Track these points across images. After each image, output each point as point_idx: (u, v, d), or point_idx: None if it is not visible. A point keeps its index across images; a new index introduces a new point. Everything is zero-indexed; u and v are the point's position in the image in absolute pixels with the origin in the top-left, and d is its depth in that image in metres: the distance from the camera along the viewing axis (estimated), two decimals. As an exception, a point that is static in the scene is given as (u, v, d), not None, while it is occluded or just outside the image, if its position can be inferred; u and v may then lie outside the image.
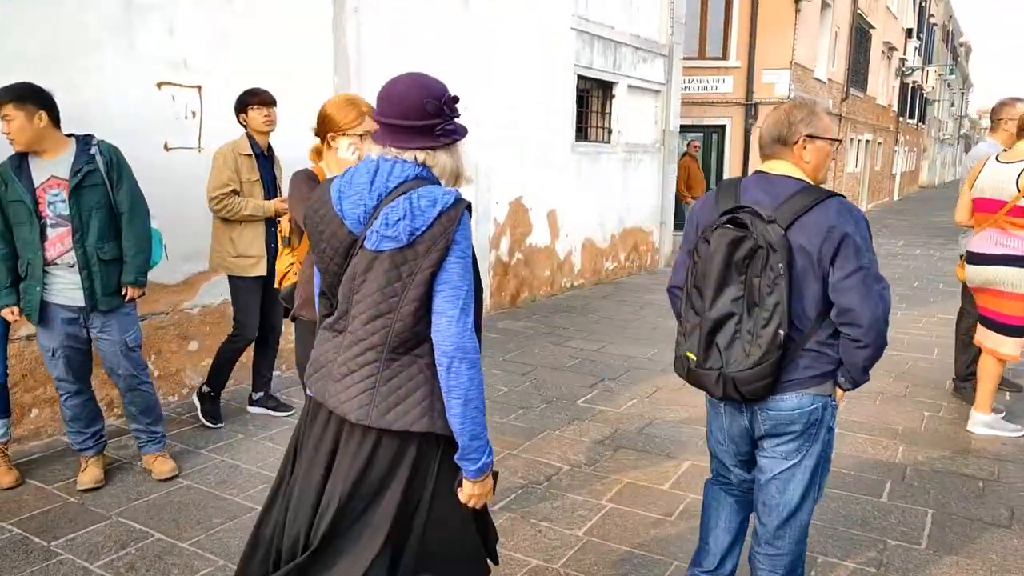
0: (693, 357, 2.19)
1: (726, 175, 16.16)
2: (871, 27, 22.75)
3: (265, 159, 4.18)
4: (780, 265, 1.99)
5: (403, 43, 6.14)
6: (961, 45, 55.62)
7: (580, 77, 8.72)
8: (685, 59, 16.12)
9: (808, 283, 2.04)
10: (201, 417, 4.29)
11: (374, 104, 1.85)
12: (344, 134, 2.52)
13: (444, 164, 1.75)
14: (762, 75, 15.69)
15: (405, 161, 1.72)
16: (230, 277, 4.17)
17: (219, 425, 4.28)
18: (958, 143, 66.60)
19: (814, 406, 2.13)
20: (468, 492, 1.77)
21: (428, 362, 1.72)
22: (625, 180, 9.84)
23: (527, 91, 7.68)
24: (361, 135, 2.46)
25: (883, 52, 26.22)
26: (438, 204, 1.65)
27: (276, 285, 2.85)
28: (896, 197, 31.95)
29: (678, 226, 12.61)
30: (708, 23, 15.90)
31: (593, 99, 9.33)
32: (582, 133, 9.16)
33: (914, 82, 34.11)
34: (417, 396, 1.72)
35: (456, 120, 1.76)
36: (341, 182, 1.78)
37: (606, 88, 9.42)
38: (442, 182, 1.76)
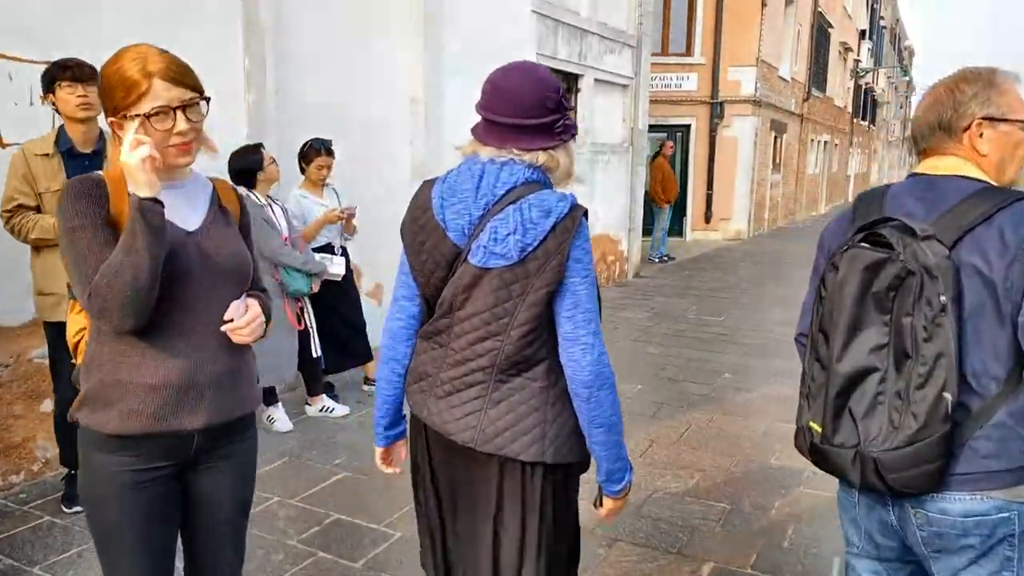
0: (818, 428, 1.55)
1: (691, 178, 15.40)
2: (830, 26, 22.35)
3: (84, 159, 3.03)
4: (942, 298, 1.37)
5: (335, 18, 5.07)
6: (905, 49, 56.57)
7: (543, 67, 7.72)
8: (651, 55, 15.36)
9: (988, 324, 1.41)
10: (62, 502, 3.21)
11: None
12: (124, 116, 1.49)
13: (564, 164, 1.63)
14: (728, 72, 14.96)
15: (514, 163, 1.58)
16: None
17: (75, 509, 3.16)
18: (903, 145, 68.10)
19: (1002, 515, 1.42)
20: (609, 509, 1.73)
21: (541, 386, 1.61)
22: (592, 183, 8.89)
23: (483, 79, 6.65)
24: (148, 115, 1.47)
25: (840, 52, 25.95)
26: (552, 214, 1.51)
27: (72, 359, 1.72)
28: (851, 199, 31.82)
29: (647, 232, 11.78)
30: (671, 16, 15.11)
31: (557, 93, 8.35)
32: (545, 131, 8.17)
33: (866, 84, 34.17)
34: (528, 423, 1.60)
35: (569, 114, 1.62)
36: (443, 187, 1.63)
37: (571, 81, 8.45)
38: (555, 184, 1.62)
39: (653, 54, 15.32)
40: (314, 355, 4.24)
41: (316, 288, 4.17)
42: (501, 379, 1.60)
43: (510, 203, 1.53)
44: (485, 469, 1.64)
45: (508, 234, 1.51)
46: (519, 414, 1.60)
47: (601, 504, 1.72)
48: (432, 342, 1.67)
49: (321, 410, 4.43)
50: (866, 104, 35.32)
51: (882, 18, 38.37)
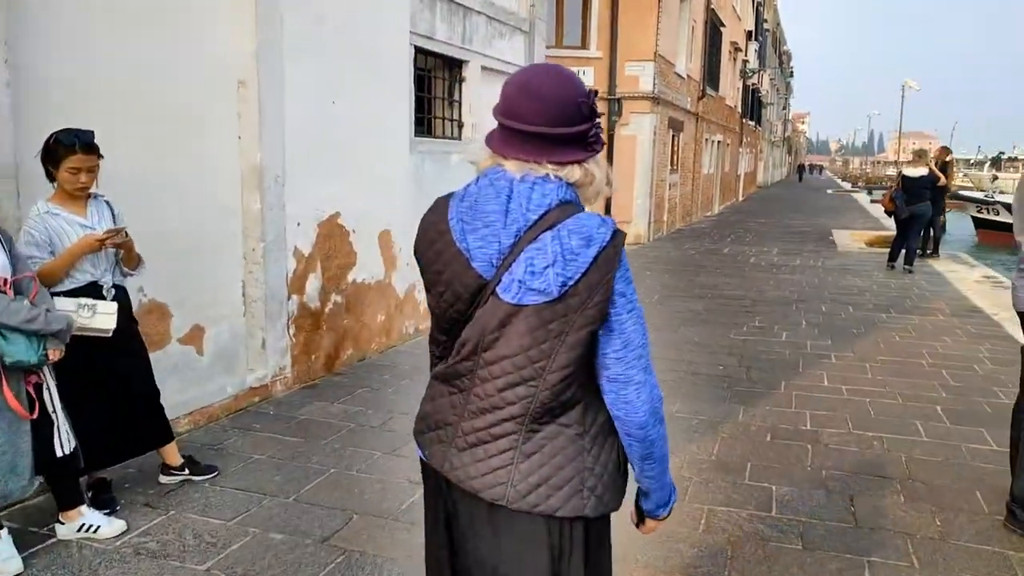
0: None
1: (589, 178, 14.51)
2: (722, 25, 22.16)
3: None
4: None
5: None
6: (784, 53, 58.71)
7: (419, 51, 6.48)
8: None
9: None
10: None
11: None
12: None
13: (599, 179, 1.42)
14: (625, 67, 14.16)
15: (545, 181, 1.38)
16: None
17: None
18: (783, 145, 71.01)
19: None
20: (652, 527, 1.63)
21: (577, 432, 1.44)
22: (481, 187, 7.70)
23: (345, 64, 5.34)
24: None
25: (730, 52, 25.97)
26: (594, 242, 1.34)
27: None
28: (740, 198, 32.24)
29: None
30: (566, 7, 14.18)
31: (438, 82, 7.12)
32: (424, 126, 6.92)
33: (753, 84, 34.74)
34: (565, 474, 1.43)
35: (599, 120, 1.42)
36: (460, 208, 1.42)
37: (454, 68, 7.24)
38: (585, 202, 1.43)
39: (547, 46, 14.42)
40: (59, 453, 2.84)
41: (56, 355, 2.77)
42: (533, 428, 1.43)
43: (545, 229, 1.35)
44: (516, 529, 1.46)
45: (547, 266, 1.33)
46: (555, 466, 1.43)
47: (643, 523, 1.62)
48: (450, 386, 1.49)
49: (80, 529, 3.02)
50: (753, 104, 35.95)
51: (765, 21, 39.27)
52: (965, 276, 10.49)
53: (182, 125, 4.13)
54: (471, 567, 1.53)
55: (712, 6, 20.22)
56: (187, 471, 3.54)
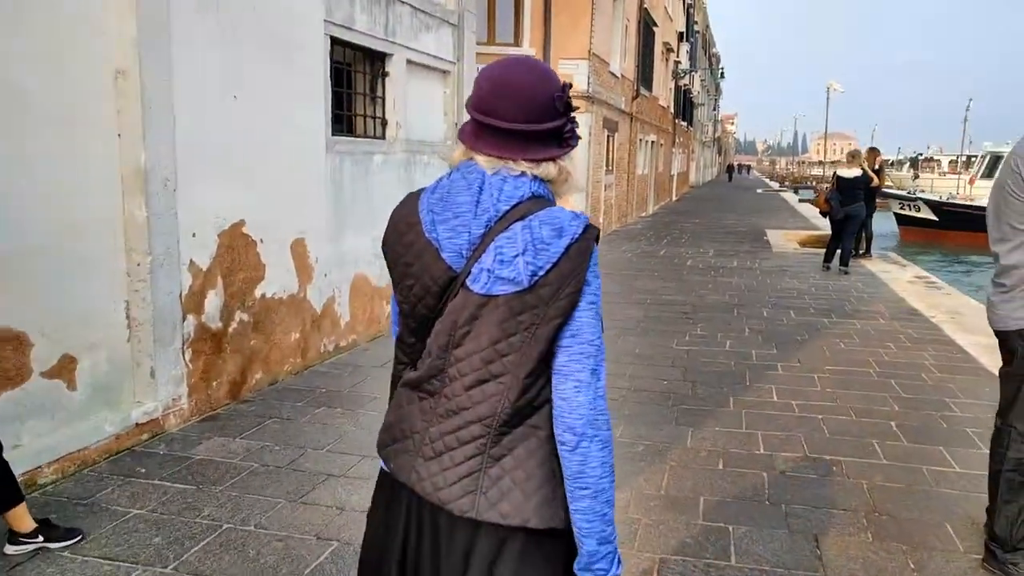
0: None
1: (524, 179, 14.13)
2: (655, 24, 22.12)
3: None
4: None
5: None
6: (713, 55, 59.78)
7: (337, 42, 5.92)
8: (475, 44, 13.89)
9: None
10: None
11: None
12: None
13: (571, 176, 1.40)
14: (559, 65, 13.79)
15: (518, 176, 1.34)
16: None
17: None
18: (714, 145, 72.53)
19: None
20: None
21: (548, 434, 1.35)
22: (409, 189, 7.15)
23: (249, 53, 4.75)
24: None
25: (663, 52, 26.02)
26: (565, 233, 1.29)
27: None
28: (674, 198, 32.47)
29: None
30: (497, 2, 13.73)
31: (358, 76, 6.57)
32: (344, 125, 6.37)
33: (685, 85, 35.06)
34: (537, 480, 1.34)
35: (575, 116, 1.40)
36: (431, 199, 1.38)
37: (377, 62, 6.70)
38: (558, 198, 1.41)
39: (479, 43, 13.95)
40: None
41: None
42: (502, 430, 1.35)
43: (516, 220, 1.31)
44: (485, 542, 1.35)
45: (516, 255, 1.29)
46: (526, 470, 1.35)
47: None
48: (420, 391, 1.41)
49: None
50: (685, 105, 36.31)
51: (696, 22, 39.75)
52: (898, 276, 10.51)
53: (47, 123, 3.50)
54: None
55: (645, 5, 20.12)
56: (41, 538, 2.93)
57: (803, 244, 15.49)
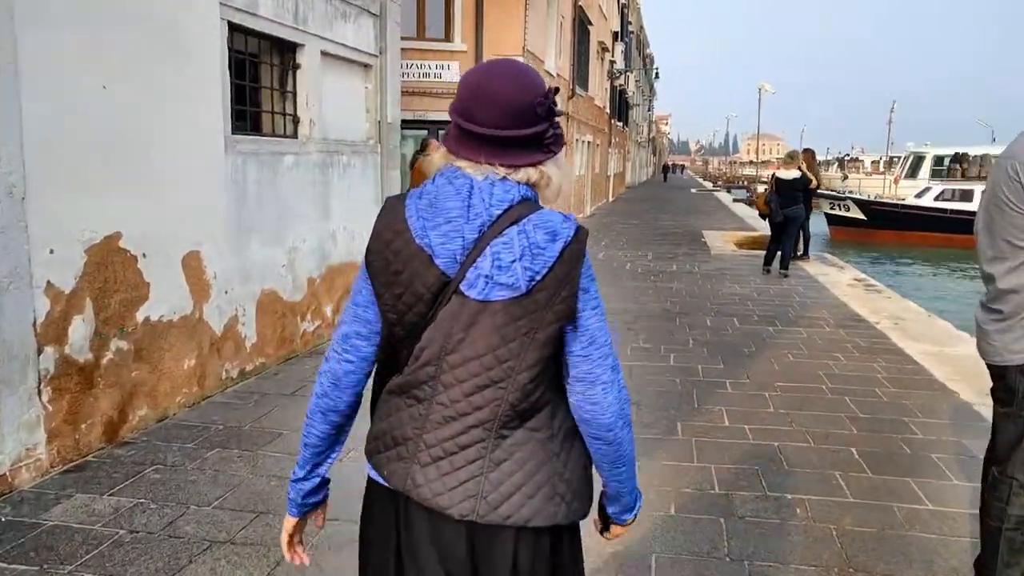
0: None
1: (457, 180, 13.57)
2: (590, 23, 21.83)
3: None
4: None
5: None
6: (647, 56, 60.29)
7: (237, 29, 5.25)
8: (402, 39, 13.23)
9: None
10: None
11: None
12: None
13: (556, 180, 1.39)
14: (492, 62, 13.29)
15: (507, 180, 1.34)
16: None
17: None
18: (649, 145, 73.30)
19: None
20: (619, 533, 1.59)
21: (546, 436, 1.39)
22: (326, 193, 6.55)
23: (124, 37, 4.05)
24: None
25: (598, 52, 25.80)
26: (559, 237, 1.31)
27: None
28: (611, 198, 32.37)
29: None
30: (427, -4, 13.14)
31: (265, 68, 5.90)
32: (248, 122, 5.69)
33: (620, 85, 35.04)
34: (537, 480, 1.37)
35: (559, 120, 1.40)
36: (419, 205, 1.35)
37: (287, 53, 6.04)
38: (542, 202, 1.39)
39: (408, 38, 13.28)
40: None
41: None
42: (503, 434, 1.37)
43: (510, 224, 1.31)
44: (489, 544, 1.37)
45: (514, 260, 1.30)
46: (527, 472, 1.37)
47: (608, 531, 1.58)
48: (408, 397, 1.41)
49: None
50: (621, 105, 36.31)
51: (630, 23, 39.84)
52: (837, 279, 10.36)
53: None
54: None
55: (580, 3, 19.80)
56: None
57: (740, 246, 15.38)
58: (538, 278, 1.30)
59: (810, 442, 4.31)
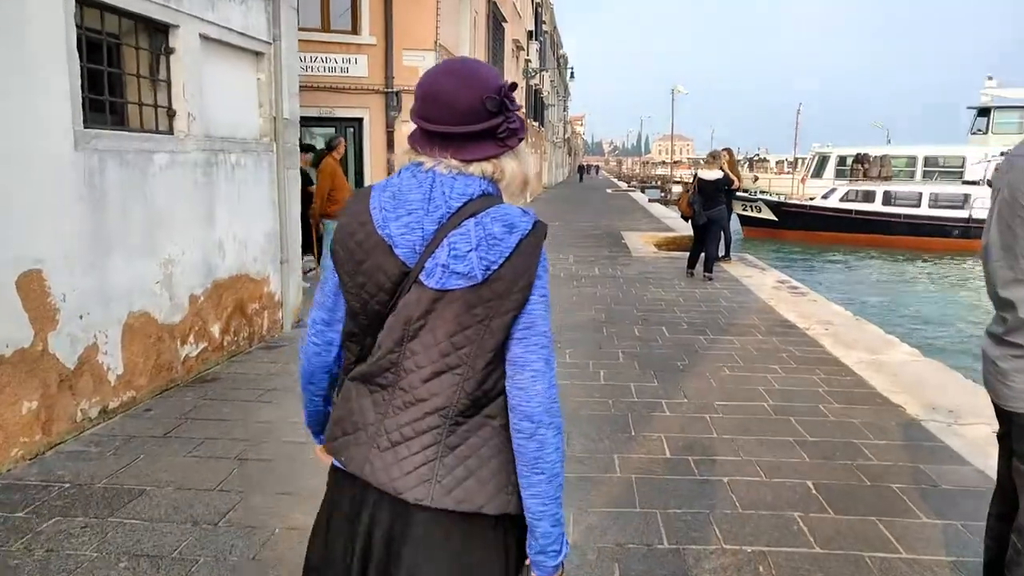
0: None
1: (367, 179, 12.77)
2: (504, 20, 21.33)
3: None
4: None
5: None
6: (561, 56, 60.48)
7: (90, 4, 4.42)
8: (305, 31, 12.34)
9: None
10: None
11: None
12: None
13: (513, 173, 1.43)
14: (403, 56, 12.56)
15: (468, 175, 1.39)
16: None
17: None
18: (564, 146, 73.66)
19: None
20: None
21: (501, 423, 1.41)
22: (211, 197, 5.73)
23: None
24: None
25: (513, 50, 25.36)
26: (516, 229, 1.35)
27: None
28: (528, 199, 32.02)
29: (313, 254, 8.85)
30: (331, -17, 12.29)
31: (131, 53, 5.05)
32: (112, 113, 4.84)
33: (535, 85, 34.76)
34: (491, 467, 1.39)
35: (517, 113, 1.43)
36: (383, 196, 1.40)
37: (157, 35, 5.21)
38: (506, 196, 1.44)
39: (312, 30, 12.42)
40: None
41: None
42: (458, 421, 1.39)
43: (468, 216, 1.36)
44: (440, 529, 1.38)
45: (470, 250, 1.34)
46: (481, 457, 1.40)
47: None
48: (371, 384, 1.44)
49: None
50: (537, 105, 36.05)
51: (544, 22, 39.67)
52: (762, 282, 10.16)
53: None
54: None
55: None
56: None
57: (660, 246, 15.19)
58: (494, 268, 1.32)
59: (761, 474, 3.86)
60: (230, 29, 5.89)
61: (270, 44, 6.60)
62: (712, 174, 10.13)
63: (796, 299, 8.95)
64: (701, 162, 12.14)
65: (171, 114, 5.30)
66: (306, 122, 12.60)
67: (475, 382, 1.37)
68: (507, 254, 1.33)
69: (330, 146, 8.99)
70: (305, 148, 9.27)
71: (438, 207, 1.36)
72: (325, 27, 12.42)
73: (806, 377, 5.62)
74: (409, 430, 1.39)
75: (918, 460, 4.04)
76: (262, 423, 4.57)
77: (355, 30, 12.47)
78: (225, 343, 6.00)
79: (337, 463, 1.48)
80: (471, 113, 1.36)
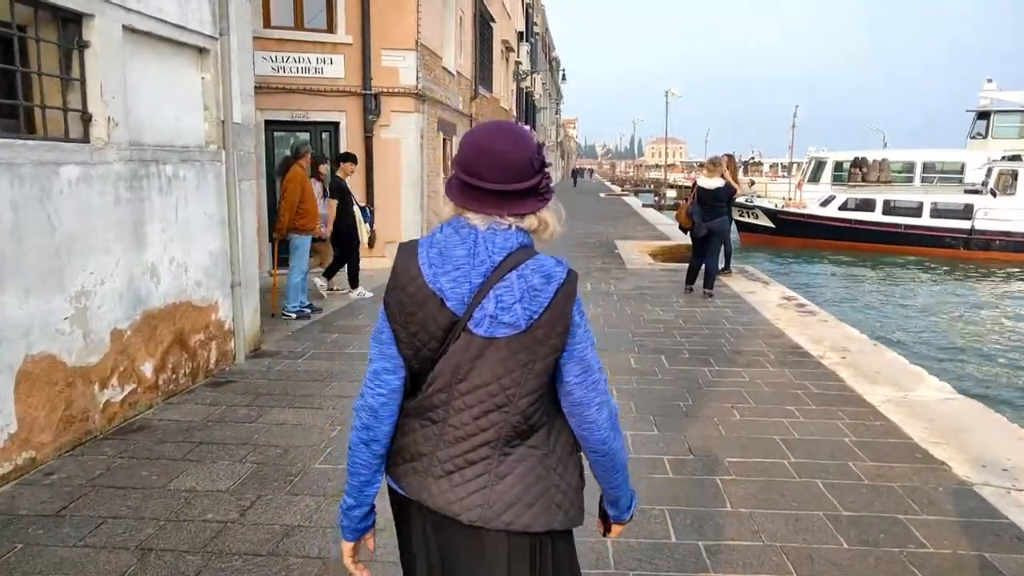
0: None
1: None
2: (492, 20, 20.58)
3: None
4: None
5: None
6: (553, 59, 59.77)
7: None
8: (277, 29, 11.58)
9: None
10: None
11: None
12: None
13: (552, 224, 1.60)
14: (382, 56, 11.79)
15: (508, 229, 1.55)
16: None
17: None
18: (557, 149, 73.01)
19: None
20: (619, 531, 1.81)
21: (544, 453, 1.59)
22: (140, 215, 4.95)
23: None
24: None
25: (502, 51, 24.60)
26: (553, 280, 1.52)
27: None
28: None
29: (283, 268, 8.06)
30: (303, -21, 11.50)
31: (33, 46, 4.26)
32: (15, 120, 4.05)
33: (526, 87, 34.04)
34: (535, 491, 1.58)
35: (546, 169, 1.60)
36: (430, 253, 1.55)
37: (68, 25, 4.42)
38: (538, 244, 1.61)
39: (284, 28, 11.65)
40: None
41: None
42: (505, 452, 1.57)
43: (510, 269, 1.51)
44: (494, 546, 1.58)
45: (514, 302, 1.49)
46: (527, 484, 1.57)
47: (609, 531, 1.81)
48: (423, 419, 1.61)
49: None
50: (528, 108, 35.32)
51: (535, 24, 38.96)
52: (766, 299, 9.42)
53: None
54: None
55: (481, -2, 18.51)
56: None
57: (655, 256, 14.46)
58: (536, 317, 1.48)
59: (791, 571, 3.09)
60: (163, 20, 5.11)
61: (216, 39, 5.82)
62: (713, 183, 9.38)
63: (805, 319, 8.20)
64: (696, 166, 11.39)
65: (86, 119, 4.51)
66: (279, 126, 11.85)
67: (520, 418, 1.53)
68: (546, 303, 1.48)
69: (297, 153, 8.19)
70: (318, 159, 8.87)
71: (483, 261, 1.49)
72: (298, 25, 11.65)
73: (829, 423, 4.86)
74: (461, 460, 1.55)
75: (982, 547, 3.28)
76: (183, 493, 3.78)
77: (331, 28, 11.69)
78: (160, 382, 5.21)
79: (398, 489, 1.64)
80: (523, 172, 1.51)
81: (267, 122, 11.49)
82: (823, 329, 7.72)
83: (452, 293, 1.49)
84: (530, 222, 1.54)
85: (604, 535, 1.81)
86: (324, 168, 8.86)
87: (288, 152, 8.54)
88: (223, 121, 5.98)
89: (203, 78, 5.83)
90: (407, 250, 1.56)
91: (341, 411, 5.06)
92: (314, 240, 8.39)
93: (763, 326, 7.82)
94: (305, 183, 8.04)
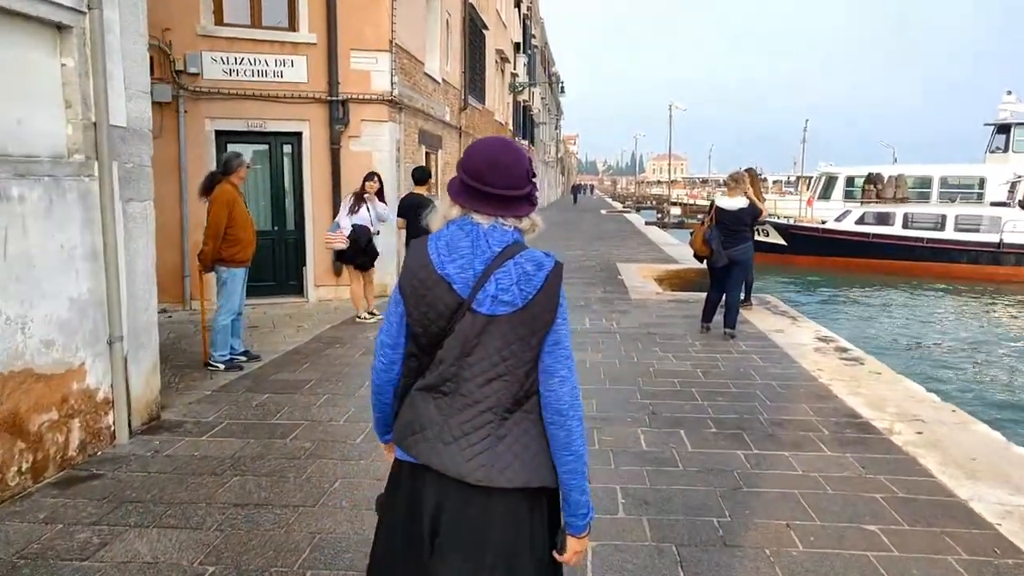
0: None
1: (308, 210, 10.47)
2: (485, 27, 19.17)
3: None
4: None
5: None
6: (553, 74, 58.55)
7: None
8: (231, 27, 10.12)
9: None
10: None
11: None
12: None
13: (539, 225, 1.90)
14: (351, 58, 10.32)
15: (504, 227, 1.84)
16: None
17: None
18: (557, 165, 71.69)
19: None
20: (573, 550, 1.86)
21: (536, 417, 1.84)
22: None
23: None
24: None
25: (497, 62, 23.23)
26: (543, 268, 1.80)
27: None
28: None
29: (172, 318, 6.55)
30: (260, -30, 10.06)
31: None
32: None
33: (524, 101, 32.72)
34: (532, 450, 1.82)
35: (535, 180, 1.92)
36: (439, 244, 1.84)
37: None
38: (526, 240, 1.89)
39: (239, 25, 10.17)
40: None
41: None
42: (505, 416, 1.82)
43: (507, 259, 1.79)
44: (496, 505, 1.79)
45: (511, 284, 1.77)
46: (523, 444, 1.81)
47: (563, 548, 1.86)
48: (435, 393, 1.85)
49: None
50: (526, 122, 33.96)
51: (533, 36, 37.71)
52: (797, 339, 7.86)
53: None
54: (458, 547, 1.80)
55: (471, 2, 17.10)
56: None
57: (662, 283, 12.94)
58: (530, 297, 1.76)
59: None
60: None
61: (83, 13, 4.33)
62: (734, 202, 7.85)
63: (853, 370, 6.64)
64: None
65: None
66: (233, 137, 10.36)
67: (518, 385, 1.80)
68: (539, 286, 1.77)
69: (227, 168, 6.67)
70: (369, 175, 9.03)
71: (483, 252, 1.80)
72: (255, 22, 10.20)
73: (934, 559, 3.30)
74: (468, 426, 1.80)
75: None
76: None
77: (292, 26, 10.25)
78: (-21, 487, 3.66)
79: (407, 457, 1.88)
80: (521, 180, 1.84)
81: (218, 132, 10.03)
82: (878, 386, 6.15)
83: (458, 278, 1.78)
84: (524, 222, 1.85)
85: (559, 554, 1.85)
86: (371, 185, 8.99)
87: (216, 167, 7.03)
88: (95, 123, 4.47)
89: (63, 65, 4.33)
90: (418, 244, 1.86)
91: (227, 531, 3.51)
92: (342, 260, 8.83)
93: (804, 382, 6.26)
94: (235, 204, 6.52)
